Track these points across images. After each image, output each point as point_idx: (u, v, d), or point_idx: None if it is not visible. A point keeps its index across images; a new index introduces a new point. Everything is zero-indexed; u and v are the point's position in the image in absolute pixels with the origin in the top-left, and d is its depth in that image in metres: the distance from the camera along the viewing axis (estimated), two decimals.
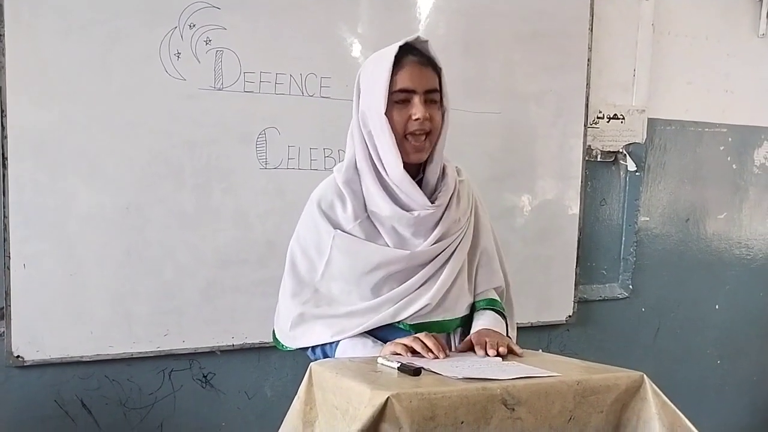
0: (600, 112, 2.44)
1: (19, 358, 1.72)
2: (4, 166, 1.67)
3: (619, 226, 2.54)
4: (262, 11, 1.88)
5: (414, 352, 1.15)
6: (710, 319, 2.76)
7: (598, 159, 2.46)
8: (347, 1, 1.99)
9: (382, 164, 1.26)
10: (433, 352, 1.14)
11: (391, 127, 1.22)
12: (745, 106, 2.72)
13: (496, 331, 1.29)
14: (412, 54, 1.25)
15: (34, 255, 1.71)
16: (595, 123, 2.43)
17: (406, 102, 1.23)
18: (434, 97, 1.26)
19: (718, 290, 2.77)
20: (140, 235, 1.80)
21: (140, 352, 1.83)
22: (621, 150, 2.49)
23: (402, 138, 1.24)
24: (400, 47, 1.24)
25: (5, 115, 1.66)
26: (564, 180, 2.36)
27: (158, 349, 1.85)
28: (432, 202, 1.28)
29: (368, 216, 1.29)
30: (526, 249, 2.30)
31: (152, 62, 1.77)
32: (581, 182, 2.39)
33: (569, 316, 2.42)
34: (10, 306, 1.69)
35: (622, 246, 2.55)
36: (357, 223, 1.28)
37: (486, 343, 1.19)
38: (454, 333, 1.35)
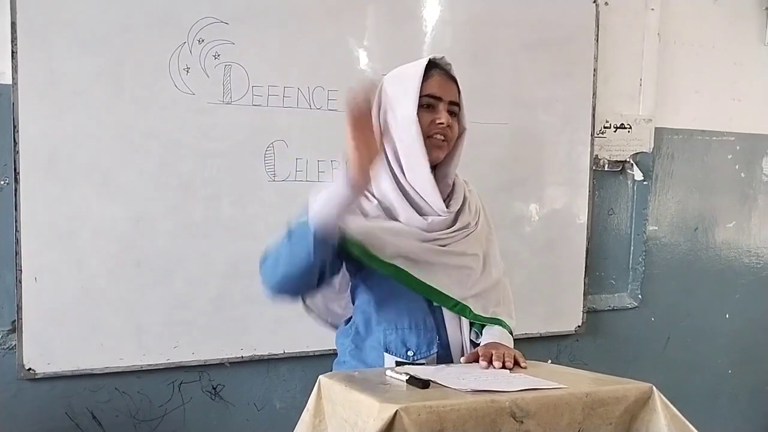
0: (607, 121, 2.44)
1: (31, 371, 1.73)
2: (17, 180, 1.69)
3: (628, 236, 2.54)
4: (270, 26, 1.90)
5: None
6: (720, 329, 2.74)
7: (606, 168, 2.46)
8: (354, 15, 2.01)
9: (400, 165, 1.30)
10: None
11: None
12: (753, 114, 2.72)
13: (503, 345, 1.29)
14: (439, 68, 1.33)
15: (46, 268, 1.72)
16: (602, 132, 2.44)
17: (431, 108, 1.29)
18: (455, 109, 1.33)
19: (728, 299, 2.75)
20: (150, 247, 1.81)
21: (150, 364, 1.84)
22: (628, 159, 2.49)
23: (424, 139, 1.28)
24: (429, 61, 1.31)
25: (17, 130, 1.68)
26: (572, 189, 2.36)
27: (168, 361, 1.86)
28: (446, 207, 1.32)
29: (385, 215, 1.31)
30: (534, 258, 2.30)
31: (162, 77, 1.79)
32: (589, 192, 2.39)
33: (578, 326, 2.41)
34: (21, 319, 1.71)
35: (631, 255, 2.54)
36: (378, 215, 1.29)
37: (492, 355, 1.19)
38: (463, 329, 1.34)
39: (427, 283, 1.29)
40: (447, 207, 1.32)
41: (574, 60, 2.33)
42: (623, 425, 1.03)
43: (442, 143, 1.30)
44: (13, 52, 1.66)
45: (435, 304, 1.31)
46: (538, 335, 2.33)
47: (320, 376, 1.10)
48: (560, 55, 2.30)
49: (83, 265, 1.76)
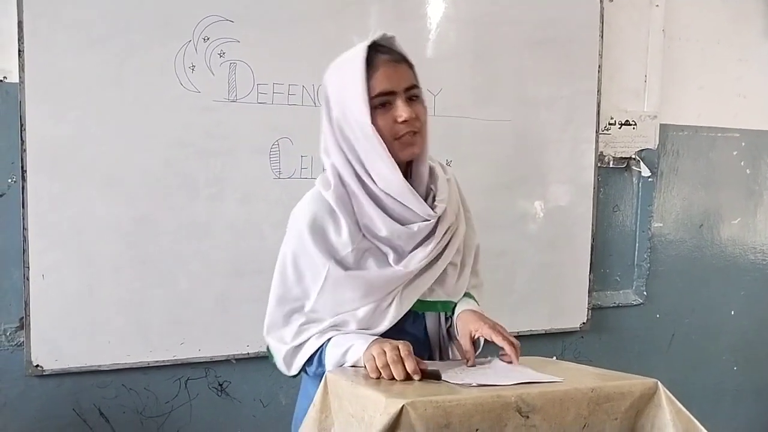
0: (612, 118, 2.44)
1: (39, 368, 1.74)
2: (23, 179, 1.70)
3: (633, 233, 2.54)
4: (275, 24, 1.90)
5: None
6: (726, 325, 2.74)
7: (611, 165, 2.46)
8: (358, 13, 2.01)
9: (369, 176, 1.16)
10: (399, 366, 1.04)
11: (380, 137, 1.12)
12: (758, 110, 2.71)
13: (481, 313, 1.23)
14: (382, 53, 1.16)
15: (53, 266, 1.73)
16: (607, 129, 2.43)
17: (388, 105, 1.14)
18: (415, 93, 1.17)
19: (733, 296, 2.75)
20: (156, 245, 1.82)
21: (157, 361, 1.85)
22: (633, 156, 2.49)
23: (390, 144, 1.14)
24: (369, 48, 1.14)
25: (24, 129, 1.69)
26: (576, 186, 2.36)
27: (174, 358, 1.87)
28: (432, 209, 1.20)
29: (364, 235, 1.19)
30: (539, 256, 2.30)
31: (167, 75, 1.80)
32: (593, 189, 2.39)
33: (583, 323, 2.41)
34: (29, 316, 1.72)
35: (636, 252, 2.54)
36: (354, 247, 1.17)
37: (500, 332, 1.15)
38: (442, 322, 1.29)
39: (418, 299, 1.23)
40: (435, 207, 1.20)
41: (578, 57, 2.33)
42: (629, 421, 1.04)
43: (413, 139, 1.15)
44: (19, 51, 1.67)
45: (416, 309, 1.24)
46: (543, 332, 2.33)
47: (327, 372, 1.10)
48: (565, 52, 2.29)
49: (90, 263, 1.77)
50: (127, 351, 1.82)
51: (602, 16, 2.35)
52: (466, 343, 1.19)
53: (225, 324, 1.90)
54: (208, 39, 1.83)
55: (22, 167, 1.69)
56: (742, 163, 2.72)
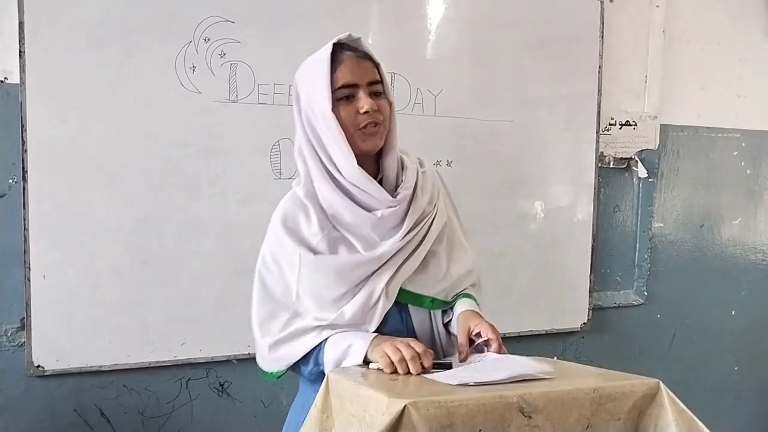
0: (612, 118, 2.44)
1: (40, 368, 1.74)
2: (24, 179, 1.70)
3: (633, 233, 2.54)
4: (276, 24, 1.90)
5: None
6: (727, 325, 2.74)
7: (611, 166, 2.46)
8: (358, 13, 2.01)
9: (335, 165, 1.21)
10: (417, 363, 1.08)
11: (341, 126, 1.18)
12: (759, 111, 2.72)
13: (478, 313, 1.25)
14: (348, 51, 1.22)
15: (54, 266, 1.73)
16: (607, 130, 2.44)
17: (351, 98, 1.20)
18: (378, 88, 1.22)
19: (734, 296, 2.75)
20: (157, 245, 1.82)
21: (158, 361, 1.85)
22: (633, 156, 2.49)
23: (352, 134, 1.19)
24: (334, 45, 1.21)
25: (25, 129, 1.69)
26: (576, 187, 2.37)
27: (175, 358, 1.87)
28: (394, 197, 1.23)
29: (333, 225, 1.23)
30: (540, 256, 2.31)
31: (168, 76, 1.80)
32: (594, 189, 2.39)
33: (584, 324, 2.41)
34: (30, 316, 1.72)
35: (637, 252, 2.54)
36: (323, 234, 1.22)
37: (496, 333, 1.18)
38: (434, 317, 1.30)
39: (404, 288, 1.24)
40: (397, 194, 1.23)
41: (579, 57, 2.33)
42: (631, 421, 1.03)
43: (374, 129, 1.20)
44: (20, 51, 1.67)
45: (400, 301, 1.25)
46: (544, 332, 2.33)
47: (329, 372, 1.10)
48: (565, 53, 2.30)
49: (91, 264, 1.77)
50: (128, 351, 1.82)
51: (602, 16, 2.35)
52: (462, 338, 1.21)
53: (226, 324, 1.90)
54: (208, 40, 1.83)
55: (23, 168, 1.69)
56: (743, 164, 2.72)
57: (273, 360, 1.28)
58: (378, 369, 1.11)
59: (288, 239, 1.23)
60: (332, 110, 1.17)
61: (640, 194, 2.53)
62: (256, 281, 1.29)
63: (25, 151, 1.69)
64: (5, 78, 1.71)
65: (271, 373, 1.31)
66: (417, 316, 1.28)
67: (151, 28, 1.78)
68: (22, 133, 1.69)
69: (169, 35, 1.80)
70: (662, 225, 2.59)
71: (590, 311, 2.41)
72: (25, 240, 1.70)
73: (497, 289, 2.16)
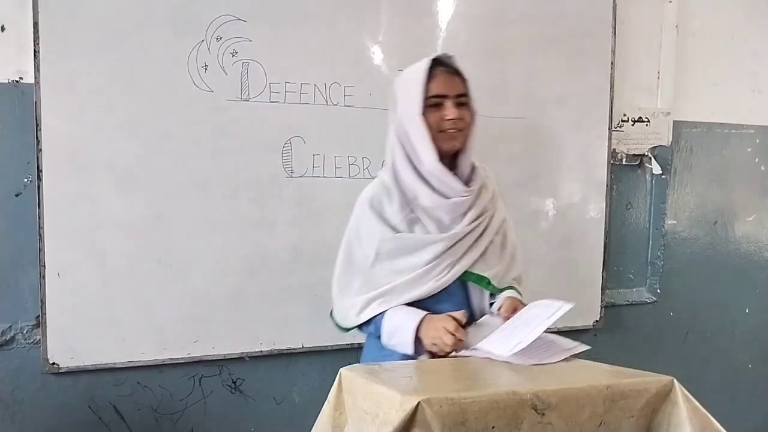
0: (624, 115, 2.43)
1: (55, 365, 1.76)
2: (39, 178, 1.71)
3: (646, 230, 2.52)
4: (287, 23, 1.91)
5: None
6: (740, 323, 2.72)
7: (624, 162, 2.45)
8: (369, 11, 2.01)
9: (419, 159, 1.44)
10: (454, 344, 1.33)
11: (428, 127, 1.42)
12: None
13: (519, 299, 1.50)
14: (442, 66, 1.46)
15: (68, 264, 1.75)
16: (620, 126, 2.42)
17: (440, 106, 1.44)
18: (463, 100, 1.47)
19: (748, 293, 2.72)
20: (170, 243, 1.84)
21: (171, 359, 1.86)
22: (646, 153, 2.47)
23: (436, 135, 1.43)
24: (432, 61, 1.45)
25: (40, 129, 1.70)
26: (589, 184, 2.35)
27: (188, 356, 1.88)
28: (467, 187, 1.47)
29: (412, 208, 1.47)
30: (552, 254, 2.30)
31: (181, 74, 1.81)
32: (606, 186, 2.37)
33: (596, 321, 2.40)
34: (45, 314, 1.74)
35: (650, 250, 2.52)
36: (403, 216, 1.46)
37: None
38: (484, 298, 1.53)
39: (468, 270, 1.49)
40: (470, 185, 1.48)
41: (591, 53, 2.31)
42: (645, 418, 1.03)
43: (455, 134, 1.44)
44: (35, 51, 1.69)
45: (463, 279, 1.49)
46: (556, 330, 2.30)
47: (341, 369, 1.11)
48: (577, 49, 2.28)
49: (105, 262, 1.78)
50: (142, 349, 1.83)
51: (615, 11, 2.33)
52: (506, 308, 1.43)
53: (238, 322, 1.91)
54: (220, 38, 1.84)
55: (38, 167, 1.71)
56: (757, 160, 2.70)
57: (343, 317, 1.52)
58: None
59: (372, 216, 1.48)
60: (422, 114, 1.41)
61: (653, 191, 2.51)
62: (343, 248, 1.53)
63: (40, 150, 1.71)
64: (20, 78, 1.73)
65: (343, 327, 1.54)
66: (475, 293, 1.51)
67: (164, 27, 1.79)
68: (36, 132, 1.70)
69: (182, 34, 1.81)
70: (675, 222, 2.57)
71: (603, 309, 2.40)
72: (40, 238, 1.72)
73: None
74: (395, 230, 1.47)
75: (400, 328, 1.41)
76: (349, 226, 1.54)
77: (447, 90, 1.44)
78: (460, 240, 1.47)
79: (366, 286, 1.48)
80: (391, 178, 1.48)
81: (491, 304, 1.52)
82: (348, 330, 1.53)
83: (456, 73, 1.47)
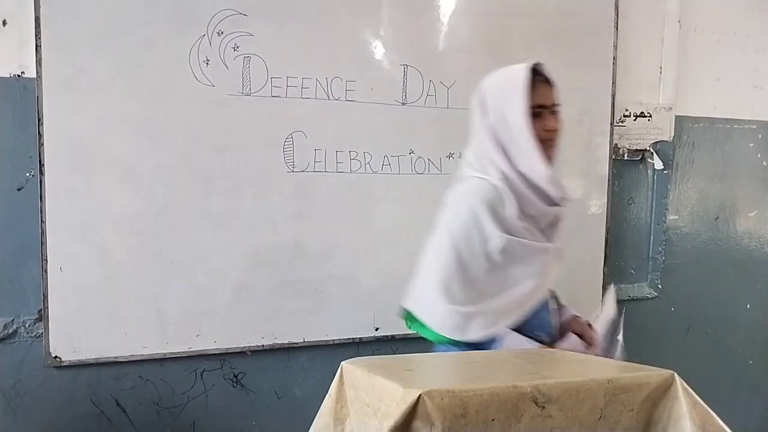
0: (626, 110, 2.43)
1: (57, 359, 1.77)
2: (41, 172, 1.72)
3: (648, 225, 2.52)
4: (288, 17, 1.91)
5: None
6: (741, 319, 2.72)
7: (625, 157, 2.45)
8: (371, 6, 2.01)
9: (530, 167, 1.43)
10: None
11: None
12: None
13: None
14: (537, 74, 1.44)
15: (71, 258, 1.75)
16: (622, 121, 2.42)
17: (538, 116, 1.42)
18: (557, 109, 1.47)
19: (749, 289, 2.72)
20: (172, 238, 1.84)
21: (173, 353, 1.87)
22: (648, 148, 2.47)
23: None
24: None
25: (42, 123, 1.70)
26: (591, 179, 2.35)
27: (190, 350, 1.89)
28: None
29: (524, 215, 1.45)
30: None
31: (182, 69, 1.81)
32: (608, 181, 2.37)
33: (597, 316, 2.40)
34: (47, 308, 1.74)
35: (651, 245, 2.53)
36: (519, 222, 1.43)
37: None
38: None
39: None
40: (565, 197, 1.50)
41: (593, 49, 2.31)
42: (645, 412, 1.03)
43: (553, 143, 1.46)
44: (37, 46, 1.69)
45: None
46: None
47: (343, 362, 1.11)
48: (579, 44, 2.28)
49: (107, 256, 1.79)
50: (144, 343, 1.84)
51: (617, 6, 2.33)
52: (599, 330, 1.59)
53: (240, 316, 1.92)
54: (222, 33, 1.84)
55: (40, 161, 1.71)
56: (759, 155, 2.69)
57: (440, 324, 1.41)
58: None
59: (489, 219, 1.41)
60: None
61: (655, 186, 2.51)
62: (449, 249, 1.42)
63: (42, 144, 1.71)
64: (22, 72, 1.73)
65: (431, 332, 1.43)
66: (551, 308, 1.57)
67: (165, 22, 1.79)
68: (38, 127, 1.70)
69: (183, 29, 1.81)
70: (677, 217, 2.57)
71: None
72: (42, 233, 1.72)
73: None
74: (509, 233, 1.42)
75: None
76: (450, 229, 1.44)
77: (546, 100, 1.44)
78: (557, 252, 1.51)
79: (473, 294, 1.41)
80: (503, 185, 1.42)
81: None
82: (434, 337, 1.43)
83: (550, 82, 1.47)
